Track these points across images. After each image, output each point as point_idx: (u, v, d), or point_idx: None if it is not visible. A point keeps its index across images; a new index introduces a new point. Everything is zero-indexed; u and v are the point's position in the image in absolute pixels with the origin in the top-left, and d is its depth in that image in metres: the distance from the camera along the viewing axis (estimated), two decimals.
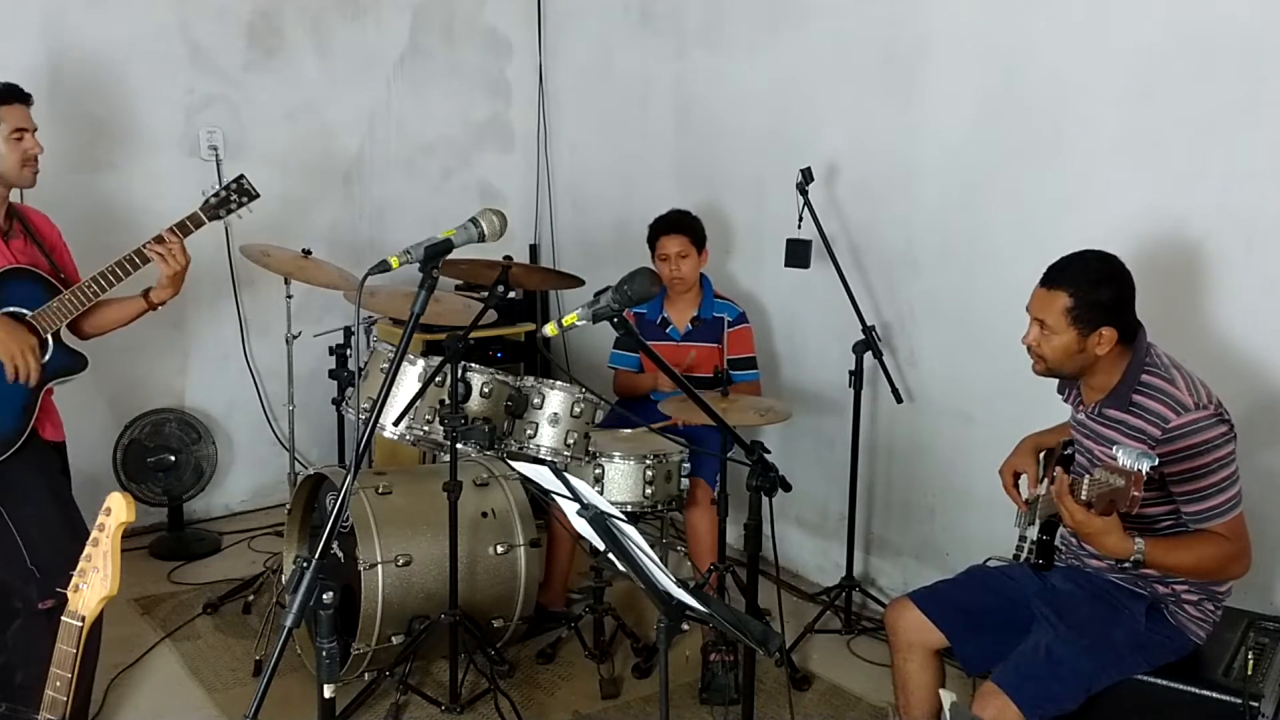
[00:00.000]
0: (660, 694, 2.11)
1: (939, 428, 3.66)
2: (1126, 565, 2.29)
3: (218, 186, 2.89)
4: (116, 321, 2.95)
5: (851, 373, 3.59)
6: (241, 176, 2.90)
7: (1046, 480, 2.55)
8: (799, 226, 3.64)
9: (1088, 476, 2.14)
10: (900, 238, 3.70)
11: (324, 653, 1.86)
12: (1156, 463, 2.01)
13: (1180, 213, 2.96)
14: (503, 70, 5.12)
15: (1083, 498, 2.14)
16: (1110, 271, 2.32)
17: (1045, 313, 2.32)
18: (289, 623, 1.80)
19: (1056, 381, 2.55)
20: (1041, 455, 2.68)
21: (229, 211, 2.88)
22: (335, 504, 1.93)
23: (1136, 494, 1.98)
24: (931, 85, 3.55)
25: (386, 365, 2.98)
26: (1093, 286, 2.29)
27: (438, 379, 3.04)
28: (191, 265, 4.33)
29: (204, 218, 2.85)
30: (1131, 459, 1.98)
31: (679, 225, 3.75)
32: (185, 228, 2.84)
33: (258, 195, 2.90)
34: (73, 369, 2.82)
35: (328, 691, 1.89)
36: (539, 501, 3.55)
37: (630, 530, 1.89)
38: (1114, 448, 2.08)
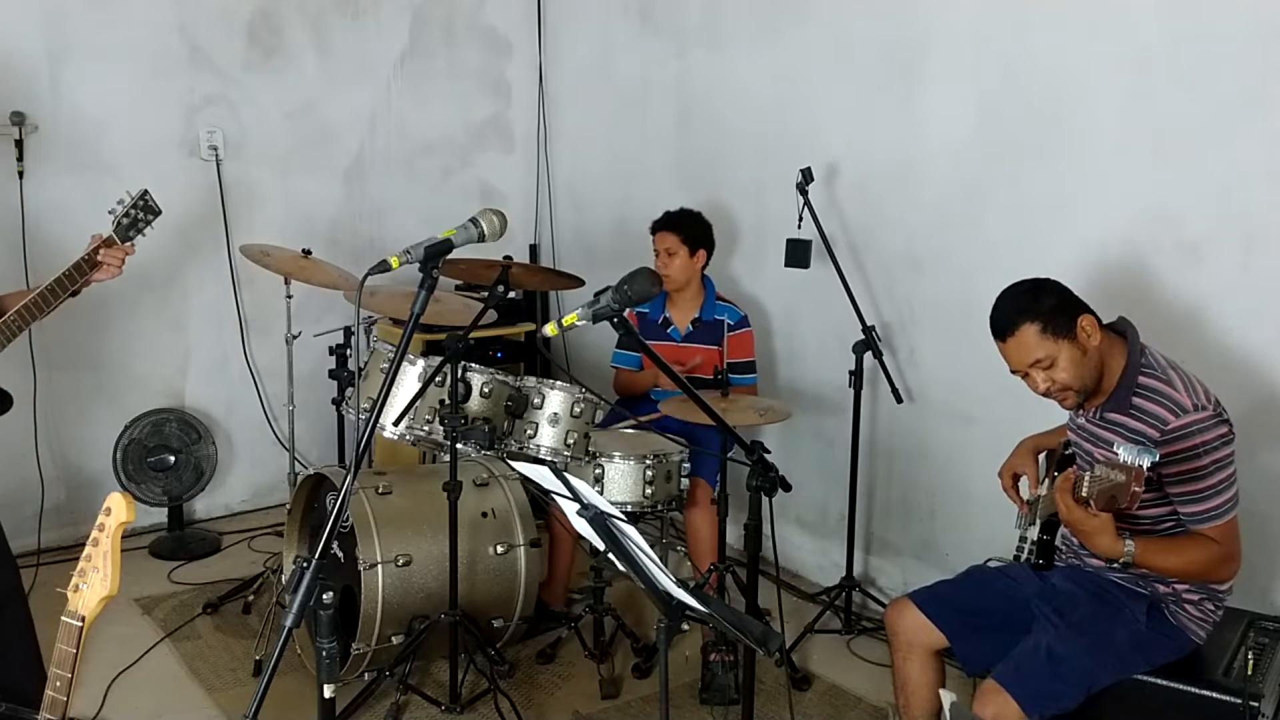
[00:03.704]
0: (660, 694, 2.11)
1: (939, 428, 3.66)
2: (1116, 565, 2.29)
3: (125, 204, 2.77)
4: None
5: (851, 373, 3.59)
6: (145, 193, 2.81)
7: (1047, 481, 2.56)
8: (799, 226, 3.64)
9: (1088, 473, 2.15)
10: (900, 238, 3.70)
11: (324, 653, 1.86)
12: (1157, 458, 2.02)
13: (1180, 213, 2.97)
14: (503, 70, 5.12)
15: (1083, 494, 2.14)
16: (1034, 286, 2.34)
17: (1030, 351, 2.30)
18: (289, 623, 1.81)
19: None
20: (1041, 456, 2.68)
21: (138, 232, 2.79)
22: (335, 504, 1.93)
23: (1137, 489, 1.99)
24: (931, 85, 3.55)
25: (386, 365, 2.98)
26: (1037, 301, 2.31)
27: (438, 379, 3.04)
28: (188, 264, 4.39)
29: (118, 240, 2.74)
30: (1132, 455, 1.99)
31: (670, 223, 3.76)
32: (112, 243, 2.73)
33: (160, 212, 2.83)
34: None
35: (328, 691, 1.89)
36: (539, 501, 3.55)
37: (630, 530, 1.89)
38: (1114, 444, 2.09)
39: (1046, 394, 2.36)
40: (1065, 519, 2.21)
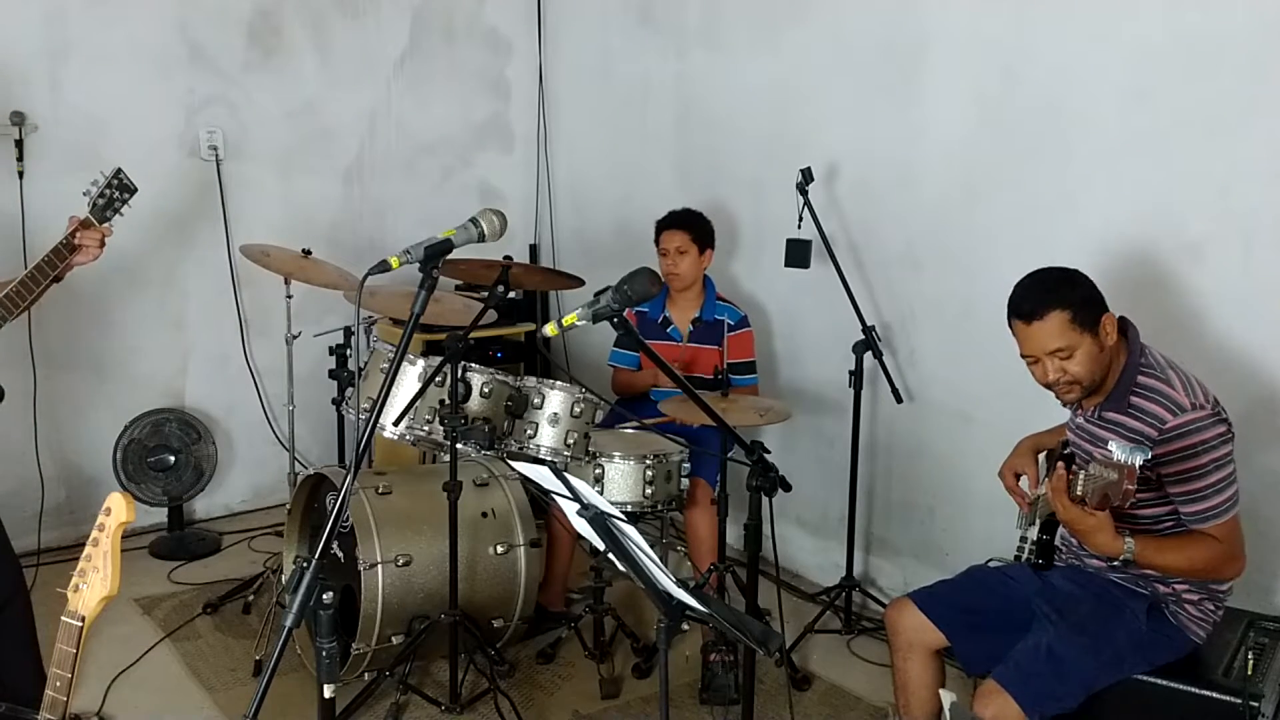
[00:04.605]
0: (660, 694, 2.11)
1: (939, 428, 3.66)
2: (1117, 564, 2.29)
3: (100, 184, 2.72)
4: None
5: (851, 373, 3.59)
6: (119, 171, 2.76)
7: (1047, 480, 2.56)
8: (799, 226, 3.64)
9: (1083, 472, 2.15)
10: (900, 238, 3.70)
11: (324, 653, 1.86)
12: (1150, 456, 2.02)
13: (1180, 213, 2.97)
14: (503, 70, 5.12)
15: (1078, 493, 2.14)
16: (1066, 275, 2.33)
17: (1054, 339, 2.27)
18: (289, 623, 1.80)
19: None
20: (1041, 456, 2.68)
21: (115, 211, 2.74)
22: (335, 504, 1.93)
23: (1129, 487, 1.99)
24: (931, 85, 3.55)
25: (386, 365, 2.98)
26: (1071, 290, 2.30)
27: (438, 379, 3.04)
28: (188, 264, 4.39)
29: (95, 221, 2.70)
30: (1125, 453, 1.99)
31: (680, 221, 3.77)
32: (89, 225, 2.69)
33: (136, 190, 2.77)
34: None
35: (328, 691, 1.89)
36: (539, 501, 3.55)
37: (630, 530, 1.89)
38: (1108, 442, 2.09)
39: (1051, 384, 2.33)
40: (1062, 518, 2.21)
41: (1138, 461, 1.98)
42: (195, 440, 4.28)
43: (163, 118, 4.26)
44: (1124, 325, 2.40)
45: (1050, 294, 2.29)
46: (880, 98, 3.70)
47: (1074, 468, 2.27)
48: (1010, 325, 2.36)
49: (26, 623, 2.66)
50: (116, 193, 2.74)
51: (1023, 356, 2.36)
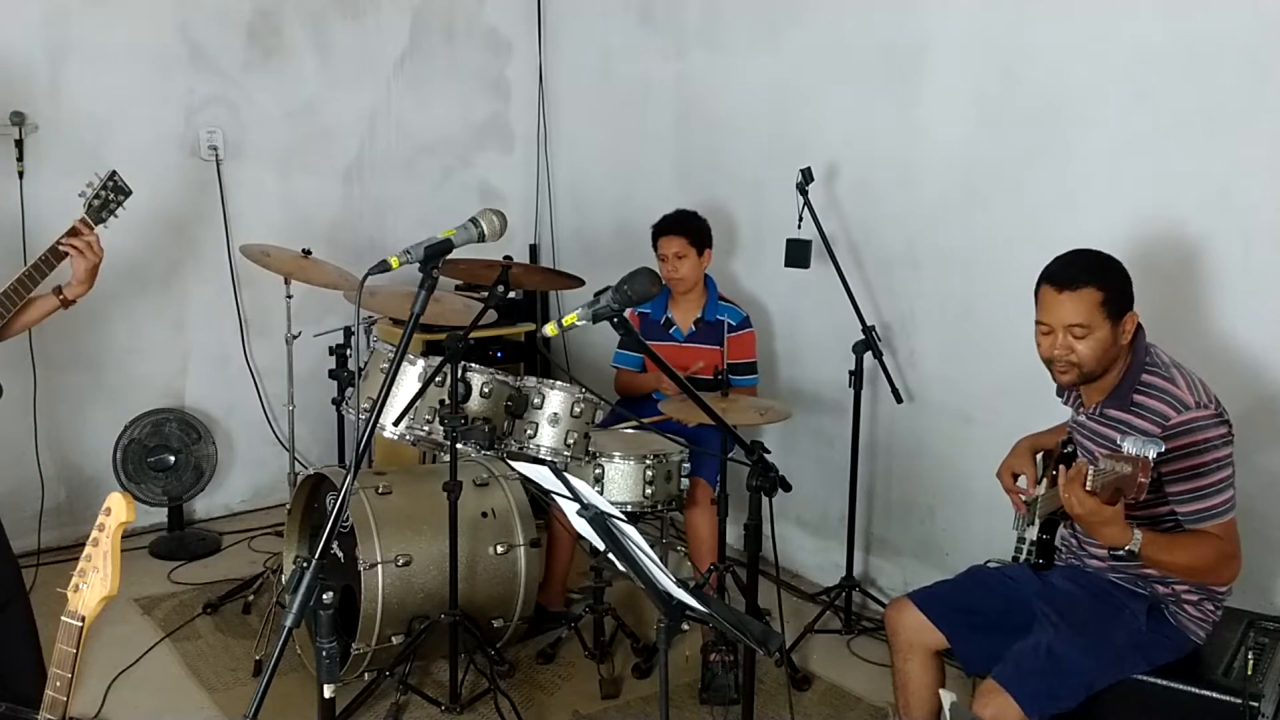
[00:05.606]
0: (660, 694, 2.11)
1: (939, 428, 3.66)
2: (1120, 555, 2.25)
3: (95, 186, 2.76)
4: (29, 324, 2.79)
5: (851, 373, 3.59)
6: (114, 173, 2.79)
7: (1046, 480, 2.55)
8: (799, 226, 3.64)
9: (1093, 466, 2.14)
10: (900, 238, 3.70)
11: (324, 653, 1.86)
12: (1164, 449, 2.01)
13: (1180, 213, 2.97)
14: (503, 70, 5.12)
15: (1088, 486, 2.13)
16: (1112, 260, 2.33)
17: (1079, 314, 2.25)
18: (289, 623, 1.81)
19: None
20: (1039, 456, 2.68)
21: (110, 213, 2.78)
22: (335, 504, 1.93)
23: (1143, 480, 1.98)
24: (931, 85, 3.55)
25: (386, 365, 2.98)
26: (1113, 274, 2.29)
27: (438, 379, 3.04)
28: (188, 264, 4.40)
29: (91, 223, 2.73)
30: (1138, 446, 1.98)
31: (677, 226, 3.76)
32: (77, 232, 2.71)
33: (131, 192, 2.81)
34: None
35: (328, 691, 1.89)
36: (539, 501, 3.55)
37: (630, 530, 1.89)
38: (1117, 439, 2.08)
39: (1053, 360, 2.32)
40: (1075, 512, 2.16)
41: (1151, 454, 1.97)
42: (195, 440, 4.29)
43: (163, 118, 4.26)
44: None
45: (1092, 270, 2.28)
46: (880, 98, 3.70)
47: (1084, 462, 2.26)
48: (1036, 291, 2.34)
49: (26, 623, 2.66)
50: (111, 194, 2.78)
51: (1038, 323, 2.34)
